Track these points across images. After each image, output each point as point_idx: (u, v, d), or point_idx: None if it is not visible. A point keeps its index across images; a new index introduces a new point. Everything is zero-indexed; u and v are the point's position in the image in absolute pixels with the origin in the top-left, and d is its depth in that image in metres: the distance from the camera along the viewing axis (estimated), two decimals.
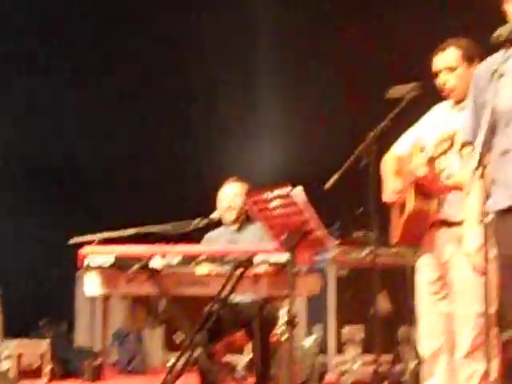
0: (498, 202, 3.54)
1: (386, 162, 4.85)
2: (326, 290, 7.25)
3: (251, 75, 9.22)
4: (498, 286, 3.56)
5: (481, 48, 4.45)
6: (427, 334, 4.72)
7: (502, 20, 3.60)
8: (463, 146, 3.81)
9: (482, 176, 3.29)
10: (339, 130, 7.92)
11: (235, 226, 6.34)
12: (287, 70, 8.96)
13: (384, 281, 5.17)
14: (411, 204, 4.57)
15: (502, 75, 3.44)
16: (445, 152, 4.27)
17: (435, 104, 4.78)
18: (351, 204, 5.28)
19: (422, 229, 4.63)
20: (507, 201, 3.52)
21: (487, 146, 3.42)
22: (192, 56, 9.23)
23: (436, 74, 4.70)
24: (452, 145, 4.15)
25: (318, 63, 8.60)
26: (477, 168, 3.22)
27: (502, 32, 3.44)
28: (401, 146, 4.86)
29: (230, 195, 6.31)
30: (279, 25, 9.02)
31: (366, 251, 6.30)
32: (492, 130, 3.47)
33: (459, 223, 4.29)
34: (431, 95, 4.64)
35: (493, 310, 3.86)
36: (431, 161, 4.40)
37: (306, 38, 8.71)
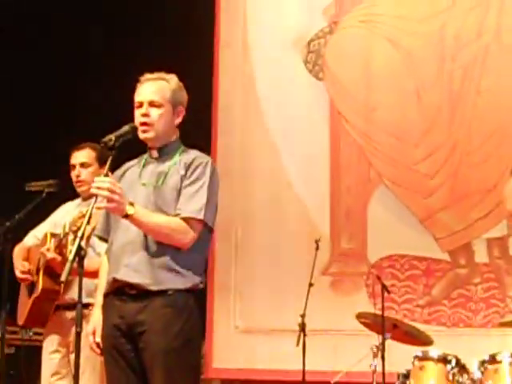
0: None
1: (16, 251, 5.04)
2: None
3: None
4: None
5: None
6: None
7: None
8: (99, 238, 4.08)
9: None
10: None
11: None
12: None
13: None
14: (40, 285, 4.76)
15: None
16: (79, 228, 4.41)
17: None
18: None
19: (49, 310, 4.81)
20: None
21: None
22: None
23: (73, 167, 5.01)
24: (89, 222, 4.08)
25: None
26: (73, 259, 3.41)
27: (111, 137, 3.68)
28: (31, 238, 5.09)
29: None
30: None
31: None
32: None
33: (84, 305, 4.55)
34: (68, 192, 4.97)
35: None
36: (60, 246, 4.62)
37: None
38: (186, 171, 3.79)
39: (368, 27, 7.05)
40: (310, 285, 5.98)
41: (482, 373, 5.25)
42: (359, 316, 5.75)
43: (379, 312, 5.80)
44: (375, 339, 5.63)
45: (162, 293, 3.65)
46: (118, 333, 3.69)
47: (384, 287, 5.84)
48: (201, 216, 3.71)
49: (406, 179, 6.81)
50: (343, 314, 6.40)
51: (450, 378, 5.36)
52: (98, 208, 3.63)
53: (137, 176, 3.86)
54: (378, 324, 5.62)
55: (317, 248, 6.11)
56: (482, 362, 5.28)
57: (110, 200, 3.57)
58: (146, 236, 3.69)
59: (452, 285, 6.59)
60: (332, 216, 6.97)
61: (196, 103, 6.93)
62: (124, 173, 3.94)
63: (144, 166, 3.89)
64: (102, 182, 3.59)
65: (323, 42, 7.15)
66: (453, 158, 6.65)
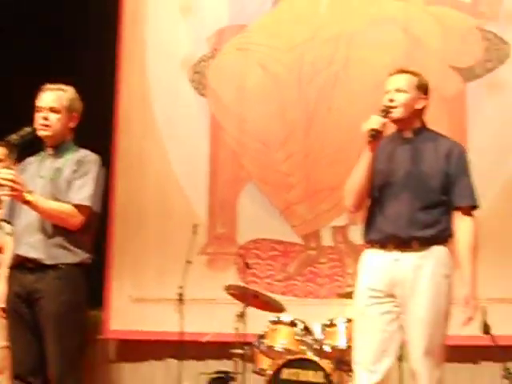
0: None
1: None
2: None
3: None
4: None
5: None
6: None
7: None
8: None
9: None
10: None
11: None
12: None
13: None
14: None
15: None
16: None
17: None
18: None
19: None
20: None
21: None
22: None
23: None
24: None
25: None
26: None
27: (14, 136, 3.78)
28: None
29: None
30: None
31: None
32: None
33: None
34: None
35: None
36: None
37: None
38: (77, 166, 3.84)
39: (243, 54, 7.13)
40: (188, 262, 6.10)
41: (323, 334, 5.46)
42: (227, 288, 5.87)
43: (243, 284, 5.99)
44: (240, 307, 5.75)
45: (54, 266, 3.71)
46: (18, 299, 3.75)
47: (246, 265, 6.00)
48: (89, 203, 3.77)
49: (269, 177, 6.91)
50: (217, 287, 6.38)
51: (298, 338, 5.55)
52: (4, 195, 3.68)
53: (36, 170, 3.90)
54: (242, 294, 5.77)
55: (194, 232, 6.21)
56: (323, 326, 5.49)
57: (12, 189, 3.63)
58: (42, 219, 3.75)
59: (304, 264, 6.73)
60: (210, 206, 7.02)
61: (101, 111, 6.96)
62: (25, 167, 3.97)
63: (42, 161, 3.93)
64: (6, 174, 3.64)
65: (206, 65, 7.20)
66: (307, 162, 6.78)
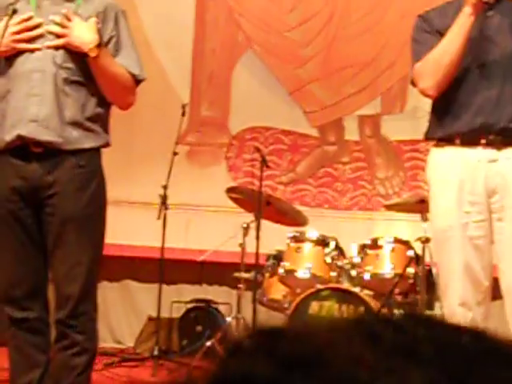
0: None
1: None
2: None
3: None
4: None
5: None
6: None
7: None
8: None
9: None
10: None
11: None
12: None
13: None
14: None
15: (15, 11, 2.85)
16: None
17: None
18: None
19: None
20: None
21: None
22: None
23: None
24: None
25: None
26: None
27: None
28: None
29: None
30: None
31: None
32: None
33: None
34: None
35: None
36: None
37: None
38: (105, 20, 2.98)
39: None
40: (175, 154, 4.82)
41: (362, 258, 4.59)
42: (230, 191, 4.78)
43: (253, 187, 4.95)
44: (238, 216, 4.82)
45: (74, 152, 2.95)
46: (17, 197, 2.93)
47: (264, 161, 4.72)
48: (144, 76, 3.07)
49: (276, 46, 5.62)
50: (200, 187, 5.35)
51: (329, 261, 4.65)
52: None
53: (32, 13, 2.93)
54: (251, 200, 4.65)
55: (183, 114, 4.92)
56: (362, 246, 4.62)
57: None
58: (56, 86, 2.88)
59: (319, 162, 5.56)
60: (193, 80, 5.66)
61: None
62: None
63: (32, 4, 2.96)
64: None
65: None
66: (328, 29, 5.52)
